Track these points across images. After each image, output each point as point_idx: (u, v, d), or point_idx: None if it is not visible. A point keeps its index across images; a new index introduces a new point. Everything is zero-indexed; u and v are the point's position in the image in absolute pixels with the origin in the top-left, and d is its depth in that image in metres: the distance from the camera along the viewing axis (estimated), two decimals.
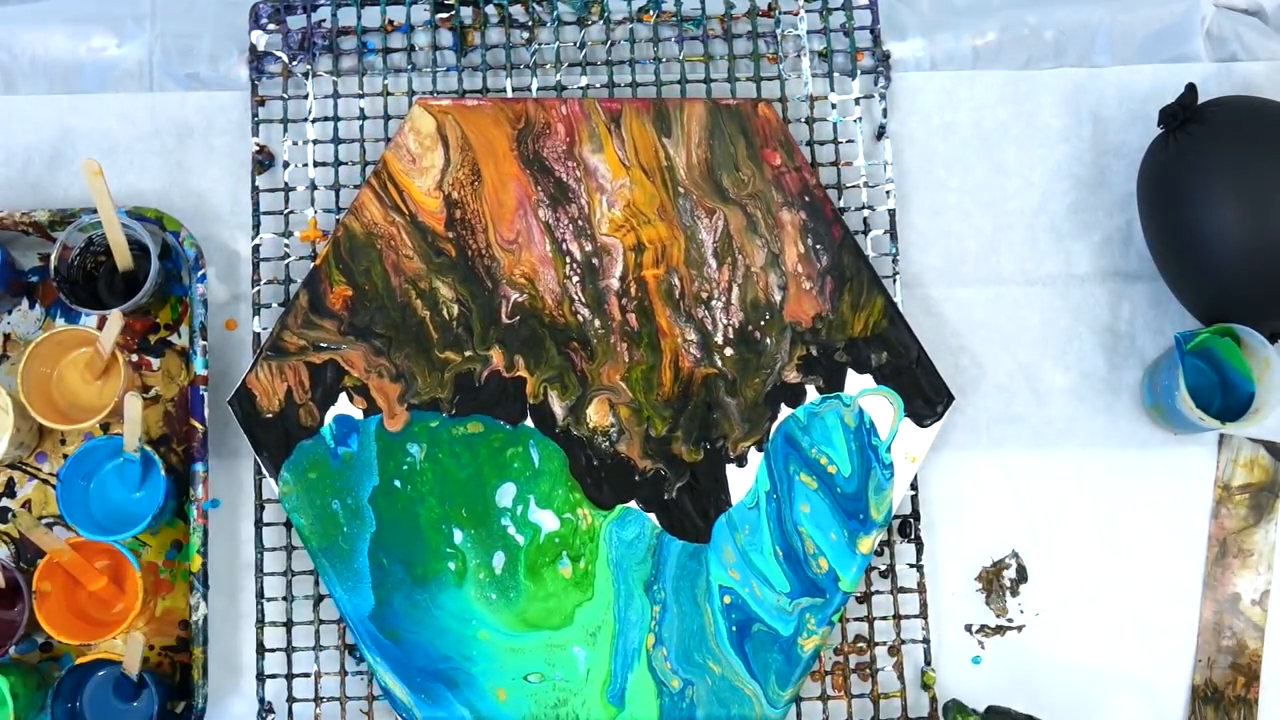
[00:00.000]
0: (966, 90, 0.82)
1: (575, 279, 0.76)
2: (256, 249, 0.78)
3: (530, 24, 0.81)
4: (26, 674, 0.73)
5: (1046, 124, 0.82)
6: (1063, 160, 0.82)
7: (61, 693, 0.72)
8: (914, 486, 0.77)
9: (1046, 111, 0.82)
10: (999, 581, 0.77)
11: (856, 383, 0.75)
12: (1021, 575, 0.78)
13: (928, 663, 0.75)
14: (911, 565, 0.76)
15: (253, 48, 0.81)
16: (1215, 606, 0.77)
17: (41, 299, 0.78)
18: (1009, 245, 0.81)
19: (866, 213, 0.79)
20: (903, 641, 0.76)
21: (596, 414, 0.75)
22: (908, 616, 0.76)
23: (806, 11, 0.81)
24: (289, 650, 0.75)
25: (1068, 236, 0.81)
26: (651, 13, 0.81)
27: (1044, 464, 0.79)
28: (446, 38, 0.81)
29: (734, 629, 0.73)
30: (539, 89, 0.80)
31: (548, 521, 0.74)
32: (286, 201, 0.79)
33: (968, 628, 0.77)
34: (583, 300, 0.76)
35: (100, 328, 0.74)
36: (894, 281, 0.78)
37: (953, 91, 0.82)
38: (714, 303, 0.76)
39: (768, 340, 0.76)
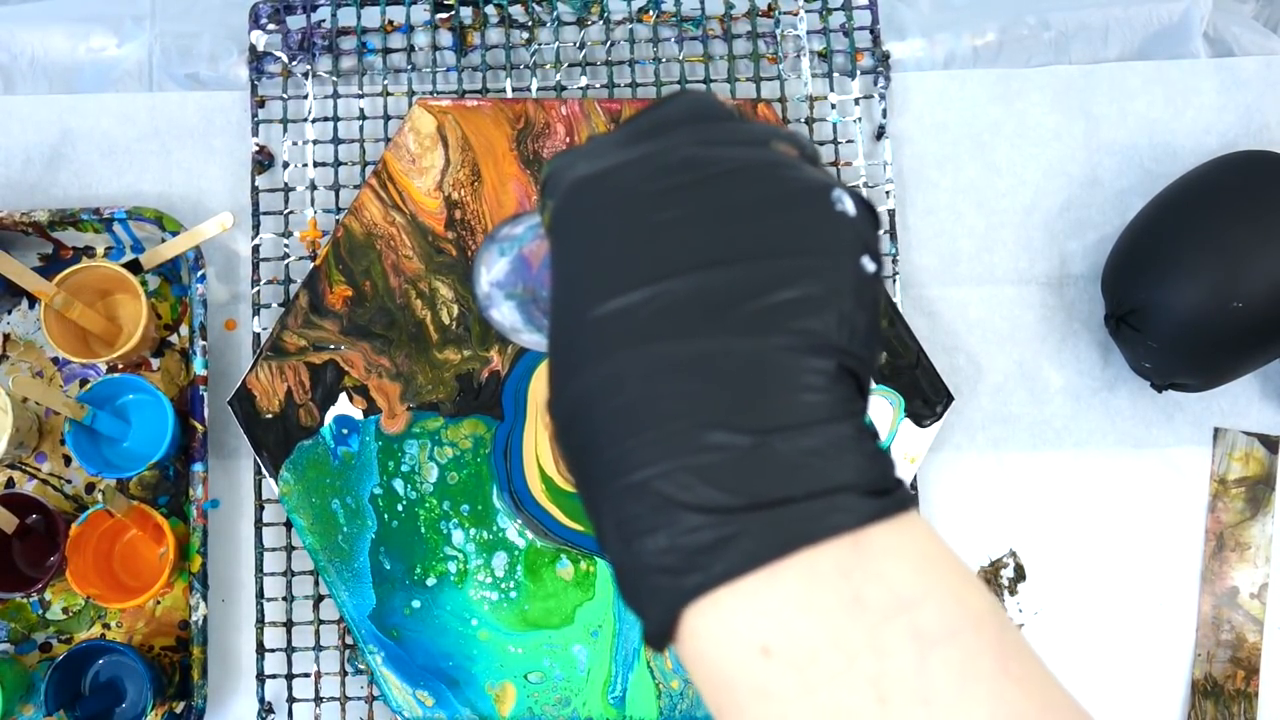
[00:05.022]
0: (957, 89, 0.82)
1: None
2: (256, 249, 0.78)
3: (530, 24, 0.81)
4: (12, 662, 0.73)
5: (1038, 122, 0.82)
6: (1055, 158, 0.82)
7: (54, 677, 0.71)
8: (913, 487, 0.77)
9: (1038, 109, 0.82)
10: (997, 581, 0.78)
11: None
12: (1020, 574, 0.78)
13: None
14: None
15: (252, 48, 0.81)
16: (1213, 601, 0.77)
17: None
18: (1003, 244, 0.81)
19: None
20: None
21: None
22: None
23: (806, 11, 0.82)
24: (289, 650, 0.75)
25: (1061, 235, 0.81)
26: (651, 13, 0.82)
27: (1041, 462, 0.79)
28: (446, 38, 0.81)
29: None
30: (539, 89, 0.81)
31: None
32: (286, 201, 0.79)
33: None
34: None
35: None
36: (894, 281, 0.78)
37: (944, 90, 0.82)
38: None
39: None
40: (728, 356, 0.29)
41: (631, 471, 0.29)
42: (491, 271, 0.41)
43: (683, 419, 0.29)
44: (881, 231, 0.78)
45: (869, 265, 0.32)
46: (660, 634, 0.30)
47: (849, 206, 0.32)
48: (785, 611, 0.28)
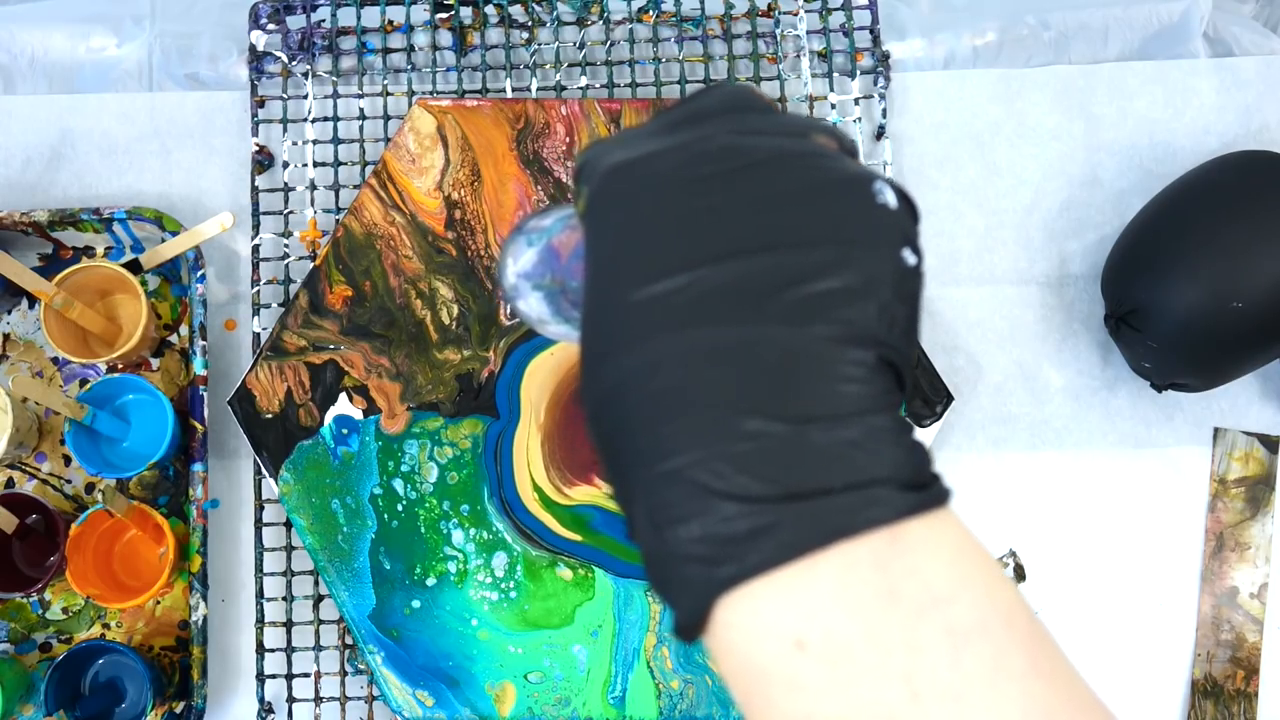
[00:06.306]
0: (957, 89, 0.82)
1: None
2: (256, 249, 0.78)
3: (530, 24, 0.81)
4: (12, 662, 0.74)
5: (1038, 122, 0.82)
6: (1055, 158, 0.82)
7: (54, 677, 0.71)
8: None
9: (1038, 109, 0.82)
10: None
11: None
12: (1020, 574, 0.78)
13: None
14: None
15: (252, 48, 0.81)
16: (1213, 601, 0.77)
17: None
18: (1002, 244, 0.81)
19: None
20: None
21: None
22: None
23: (806, 11, 0.82)
24: (289, 650, 0.75)
25: (1060, 235, 0.81)
26: (651, 13, 0.82)
27: (1041, 462, 0.79)
28: (446, 38, 0.81)
29: None
30: (539, 89, 0.81)
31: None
32: (286, 201, 0.79)
33: None
34: None
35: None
36: None
37: (944, 90, 0.82)
38: None
39: None
40: (766, 344, 0.29)
41: (665, 458, 0.29)
42: (519, 263, 0.40)
43: (719, 406, 0.28)
44: None
45: (909, 258, 0.31)
46: (691, 625, 0.29)
47: (890, 199, 0.31)
48: (820, 604, 0.28)
